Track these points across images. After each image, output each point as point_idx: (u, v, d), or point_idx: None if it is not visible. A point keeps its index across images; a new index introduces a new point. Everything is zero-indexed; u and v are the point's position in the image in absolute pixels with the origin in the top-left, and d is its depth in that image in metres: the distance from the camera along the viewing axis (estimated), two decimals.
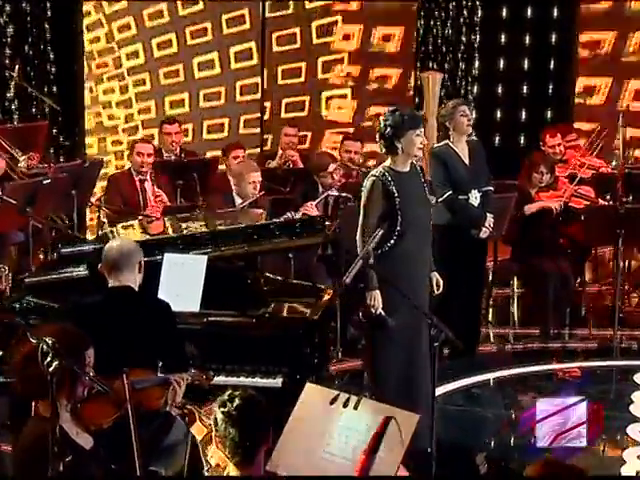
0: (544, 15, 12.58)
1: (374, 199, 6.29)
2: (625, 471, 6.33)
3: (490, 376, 7.89)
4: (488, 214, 7.91)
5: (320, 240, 6.73)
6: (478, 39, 12.55)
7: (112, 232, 7.20)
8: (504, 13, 12.62)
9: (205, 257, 6.17)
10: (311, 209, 8.30)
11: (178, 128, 9.94)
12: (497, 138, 12.65)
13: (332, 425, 4.62)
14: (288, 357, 5.94)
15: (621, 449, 6.68)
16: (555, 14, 12.60)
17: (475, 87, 12.62)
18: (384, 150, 6.39)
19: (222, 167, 9.67)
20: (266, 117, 11.99)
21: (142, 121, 11.67)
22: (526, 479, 3.48)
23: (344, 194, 8.40)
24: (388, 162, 6.38)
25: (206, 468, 4.20)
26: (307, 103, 12.25)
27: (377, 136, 6.40)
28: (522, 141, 12.70)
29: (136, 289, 5.53)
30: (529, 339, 8.82)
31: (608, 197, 9.02)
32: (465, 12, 12.44)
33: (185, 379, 5.04)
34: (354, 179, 9.25)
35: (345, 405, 4.67)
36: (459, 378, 7.59)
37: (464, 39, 12.48)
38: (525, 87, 12.70)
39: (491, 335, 8.96)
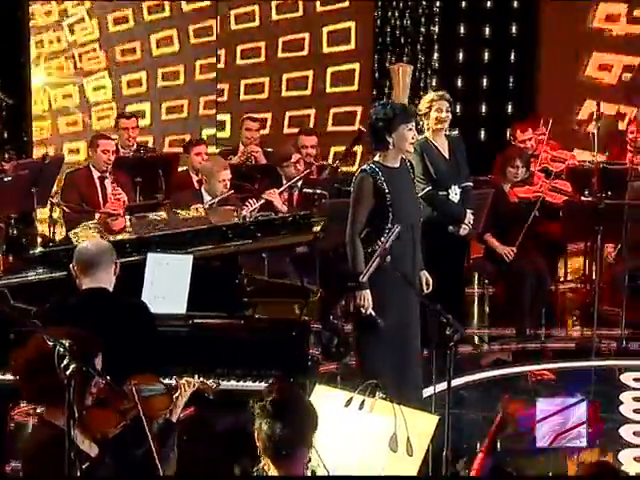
0: (504, 6, 12.74)
1: (364, 195, 6.32)
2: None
3: (475, 377, 7.97)
4: (468, 210, 7.99)
5: (311, 238, 6.70)
6: (437, 30, 12.69)
7: (75, 234, 7.16)
8: (463, 4, 12.74)
9: (191, 256, 6.16)
10: (274, 195, 8.35)
11: (135, 123, 9.92)
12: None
13: (348, 428, 4.68)
14: (280, 359, 5.93)
15: (615, 451, 6.79)
16: (515, 5, 12.77)
17: (434, 79, 12.73)
18: (374, 145, 6.43)
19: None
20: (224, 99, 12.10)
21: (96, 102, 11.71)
22: None
23: (319, 191, 8.43)
24: (377, 157, 6.41)
25: (255, 470, 4.20)
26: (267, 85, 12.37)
27: (368, 131, 6.44)
28: (482, 135, 12.83)
29: (110, 290, 5.51)
30: (506, 340, 8.92)
31: (587, 192, 9.13)
32: (424, 3, 12.57)
33: (192, 385, 5.04)
34: (313, 174, 9.34)
35: (360, 407, 4.72)
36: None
37: (423, 30, 12.59)
38: (485, 80, 12.84)
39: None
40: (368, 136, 6.51)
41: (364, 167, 6.42)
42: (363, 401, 4.70)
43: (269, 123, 12.28)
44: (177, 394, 4.95)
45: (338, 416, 4.65)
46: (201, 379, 5.16)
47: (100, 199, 8.83)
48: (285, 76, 12.57)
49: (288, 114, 12.51)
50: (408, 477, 4.60)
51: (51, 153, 10.88)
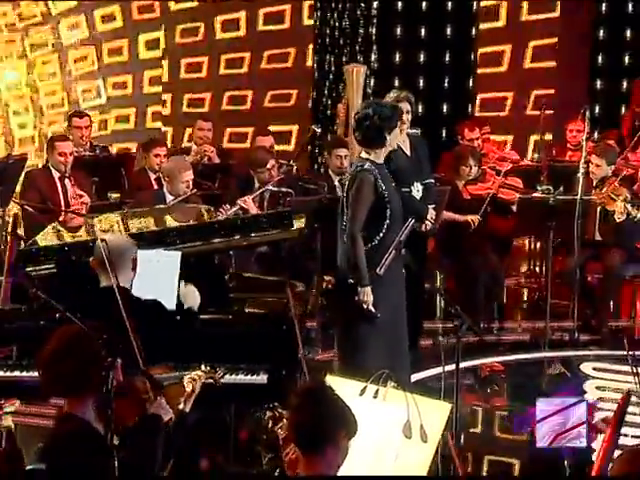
0: (439, 8, 12.94)
1: (366, 193, 6.38)
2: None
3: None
4: (430, 207, 8.14)
5: (297, 234, 6.80)
6: (374, 32, 12.83)
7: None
8: (399, 5, 12.92)
9: (179, 253, 6.23)
10: (248, 204, 8.41)
11: (88, 122, 9.92)
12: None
13: (363, 416, 4.78)
14: (271, 353, 6.02)
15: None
16: (450, 7, 12.99)
17: (372, 80, 12.87)
18: (369, 144, 6.47)
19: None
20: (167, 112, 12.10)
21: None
22: None
23: (284, 189, 8.52)
24: (367, 155, 6.47)
25: (285, 463, 4.29)
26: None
27: (364, 130, 6.47)
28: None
29: (129, 287, 5.58)
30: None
31: (539, 189, 9.37)
32: (362, 4, 12.71)
33: (200, 377, 5.12)
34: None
35: (375, 396, 4.84)
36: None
37: (361, 31, 12.74)
38: (421, 80, 13.03)
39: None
40: (363, 136, 6.51)
41: (365, 166, 6.44)
42: (377, 390, 4.84)
43: None
44: (190, 385, 5.04)
45: (353, 405, 4.77)
46: (205, 369, 5.26)
47: (61, 199, 8.83)
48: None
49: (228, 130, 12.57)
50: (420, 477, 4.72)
51: None
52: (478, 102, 12.90)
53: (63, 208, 8.65)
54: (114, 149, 10.79)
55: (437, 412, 4.78)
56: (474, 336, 7.47)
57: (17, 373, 5.91)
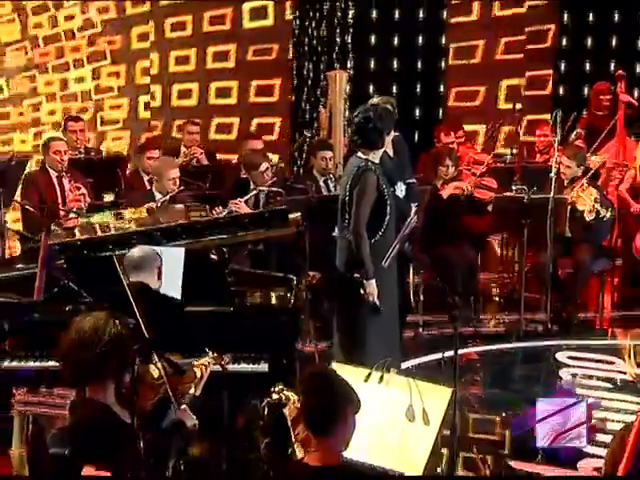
0: (411, 17, 12.99)
1: (369, 191, 6.44)
2: None
3: (417, 360, 8.19)
4: (412, 205, 8.21)
5: (295, 230, 6.85)
6: (350, 40, 12.89)
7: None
8: (374, 15, 12.98)
9: (183, 249, 6.27)
10: (240, 205, 8.44)
11: (82, 125, 9.93)
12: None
13: (366, 402, 4.84)
14: (272, 344, 6.09)
15: None
16: (421, 16, 13.07)
17: (348, 86, 12.91)
18: (366, 145, 6.53)
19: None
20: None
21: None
22: None
23: (275, 189, 8.57)
24: (364, 155, 6.52)
25: (295, 444, 4.34)
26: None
27: (361, 133, 6.54)
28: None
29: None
30: (439, 325, 9.16)
31: (514, 188, 9.46)
32: (338, 14, 12.77)
33: (209, 363, 5.17)
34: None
35: (380, 381, 4.91)
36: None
37: (338, 39, 12.79)
38: (394, 86, 13.09)
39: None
40: (360, 138, 6.56)
41: (365, 166, 6.50)
42: (382, 376, 4.91)
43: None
44: (200, 370, 5.09)
45: (359, 390, 4.83)
46: (213, 355, 5.30)
47: (59, 198, 8.84)
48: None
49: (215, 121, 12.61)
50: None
51: None
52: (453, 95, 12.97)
53: (61, 207, 8.66)
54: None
55: (439, 396, 4.86)
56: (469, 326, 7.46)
57: (31, 363, 5.95)
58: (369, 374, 4.89)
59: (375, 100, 8.28)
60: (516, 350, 8.62)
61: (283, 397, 4.72)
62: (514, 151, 9.84)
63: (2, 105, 11.95)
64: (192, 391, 5.06)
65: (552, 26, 12.91)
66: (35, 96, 12.03)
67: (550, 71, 12.91)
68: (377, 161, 6.54)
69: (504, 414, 7.15)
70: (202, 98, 12.59)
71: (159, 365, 4.83)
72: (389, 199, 6.49)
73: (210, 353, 5.28)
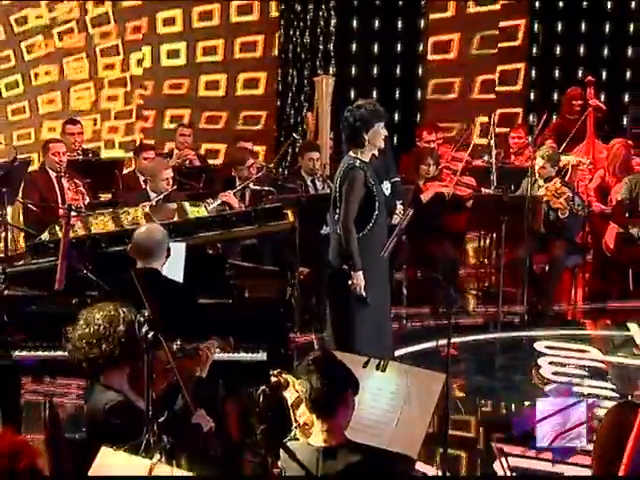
0: (391, 26, 13.04)
1: (357, 187, 6.44)
2: None
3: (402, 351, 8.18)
4: (398, 202, 8.24)
5: (290, 226, 6.87)
6: (332, 47, 12.91)
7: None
8: (355, 24, 13.02)
9: (184, 244, 6.27)
10: (229, 197, 8.49)
11: (80, 128, 9.92)
12: None
13: (365, 387, 4.88)
14: (270, 333, 6.10)
15: None
16: (400, 25, 13.12)
17: None
18: (350, 142, 6.54)
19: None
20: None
21: None
22: None
23: (266, 188, 8.60)
24: (353, 154, 6.53)
25: (294, 426, 4.37)
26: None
27: (344, 131, 6.59)
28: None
29: (161, 271, 5.67)
30: (422, 317, 9.21)
31: (493, 187, 9.52)
32: (321, 22, 12.80)
33: (214, 346, 5.19)
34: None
35: (377, 368, 4.94)
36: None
37: (321, 47, 12.82)
38: (375, 92, 13.13)
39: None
40: (344, 136, 6.60)
41: (355, 163, 6.50)
42: (379, 362, 4.94)
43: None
44: (206, 354, 5.11)
45: (358, 375, 4.85)
46: (220, 340, 5.32)
47: (59, 197, 8.84)
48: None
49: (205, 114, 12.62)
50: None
51: None
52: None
53: (60, 205, 8.66)
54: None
55: (433, 382, 4.89)
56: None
57: (40, 353, 5.95)
58: (367, 361, 4.91)
59: (360, 102, 8.36)
60: (496, 340, 8.64)
61: (282, 380, 4.73)
62: (493, 152, 9.84)
63: (18, 100, 11.92)
64: (198, 373, 5.09)
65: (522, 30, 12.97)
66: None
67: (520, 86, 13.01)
68: (367, 160, 6.54)
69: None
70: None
71: (168, 350, 4.83)
72: (377, 195, 6.51)
73: (216, 338, 5.30)
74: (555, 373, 7.77)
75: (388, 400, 4.86)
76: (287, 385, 4.59)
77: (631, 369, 8.01)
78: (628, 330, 8.82)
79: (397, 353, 8.04)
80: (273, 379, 4.61)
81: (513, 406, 7.27)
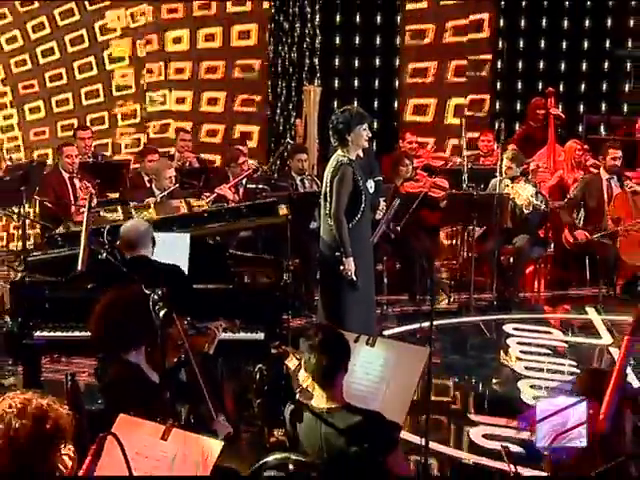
0: (370, 43, 13.04)
1: (346, 182, 6.43)
2: (524, 398, 6.86)
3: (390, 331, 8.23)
4: (380, 199, 8.25)
5: (284, 219, 6.86)
6: (317, 62, 12.89)
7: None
8: (337, 40, 13.01)
9: (188, 235, 6.24)
10: (224, 190, 8.49)
11: (90, 134, 9.91)
12: None
13: (356, 360, 4.86)
14: (267, 315, 6.09)
15: (514, 381, 7.22)
16: (378, 41, 13.12)
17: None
18: (336, 143, 6.57)
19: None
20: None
21: None
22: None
23: (261, 186, 8.60)
24: (342, 152, 6.52)
25: (297, 390, 4.37)
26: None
27: (330, 132, 6.61)
28: None
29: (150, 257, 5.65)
30: (401, 303, 9.21)
31: (464, 186, 9.54)
32: (307, 39, 12.79)
33: (221, 326, 5.17)
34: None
35: (367, 343, 4.93)
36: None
37: (307, 61, 12.80)
38: (355, 102, 13.06)
39: None
40: (331, 136, 6.61)
41: (344, 160, 6.49)
42: (369, 338, 4.93)
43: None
44: (214, 332, 5.09)
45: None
46: (226, 320, 5.31)
47: (71, 196, 8.81)
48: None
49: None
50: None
51: None
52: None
53: (74, 202, 8.64)
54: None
55: (417, 356, 4.88)
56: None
57: (59, 333, 5.92)
58: (358, 336, 4.90)
59: (346, 107, 8.34)
60: (468, 323, 8.65)
61: (281, 350, 4.74)
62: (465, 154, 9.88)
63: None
64: (205, 349, 5.08)
65: (489, 56, 13.02)
66: None
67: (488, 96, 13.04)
68: (352, 157, 6.54)
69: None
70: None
71: (180, 328, 4.81)
72: (364, 190, 6.51)
73: (222, 320, 5.29)
74: (522, 352, 7.79)
75: (377, 372, 4.83)
76: (288, 355, 4.60)
77: (589, 347, 8.05)
78: (586, 313, 8.85)
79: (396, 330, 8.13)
80: (274, 351, 4.62)
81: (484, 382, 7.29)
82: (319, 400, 4.23)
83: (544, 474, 3.89)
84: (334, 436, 4.12)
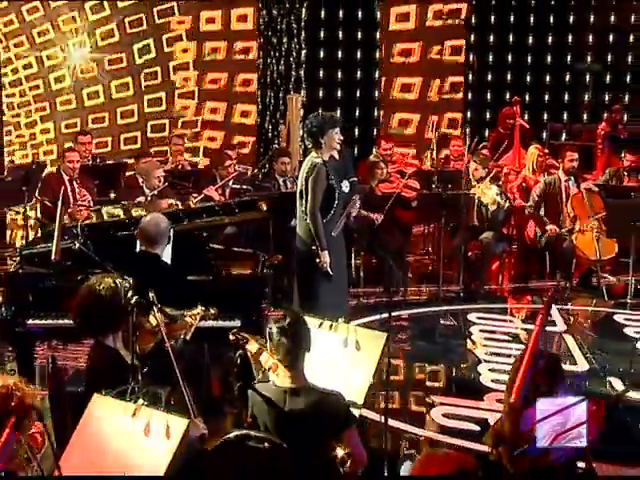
0: (351, 57, 12.95)
1: (321, 181, 6.37)
2: (483, 381, 6.77)
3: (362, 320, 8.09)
4: (355, 197, 8.12)
5: (264, 215, 6.80)
6: (303, 74, 12.81)
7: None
8: (322, 54, 12.92)
9: (171, 230, 6.13)
10: (210, 191, 8.42)
11: (90, 139, 9.82)
12: None
13: (319, 343, 4.77)
14: (244, 304, 6.01)
15: (474, 365, 7.11)
16: (359, 55, 13.03)
17: (301, 111, 12.83)
18: (310, 145, 6.50)
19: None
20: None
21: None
22: None
23: (244, 186, 8.53)
24: (316, 154, 6.45)
25: (260, 371, 4.30)
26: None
27: (305, 135, 6.54)
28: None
29: (161, 255, 5.57)
30: (376, 295, 9.10)
31: (434, 187, 9.46)
32: (293, 53, 12.70)
33: (198, 314, 5.08)
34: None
35: (330, 328, 4.84)
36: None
37: (293, 73, 12.72)
38: (338, 111, 12.95)
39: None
40: (306, 139, 6.54)
41: (317, 161, 6.43)
42: (331, 324, 4.85)
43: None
44: (191, 320, 5.00)
45: (314, 334, 4.77)
46: (201, 308, 5.21)
47: (70, 197, 8.70)
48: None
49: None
50: None
51: None
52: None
53: (71, 203, 8.54)
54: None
55: (375, 340, 4.80)
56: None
57: (50, 321, 5.83)
58: (321, 322, 4.82)
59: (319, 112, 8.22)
60: (436, 313, 8.55)
61: (239, 337, 4.65)
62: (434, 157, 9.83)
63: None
64: (183, 336, 4.99)
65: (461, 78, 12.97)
66: None
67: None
68: (326, 158, 6.47)
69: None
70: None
71: (157, 315, 4.72)
72: (337, 188, 6.43)
73: (200, 306, 5.20)
74: (485, 338, 7.70)
75: (337, 354, 4.76)
76: (247, 341, 4.52)
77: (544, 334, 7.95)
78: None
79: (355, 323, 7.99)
80: (232, 337, 4.54)
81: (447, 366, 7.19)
82: (283, 380, 4.16)
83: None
84: (296, 413, 4.06)
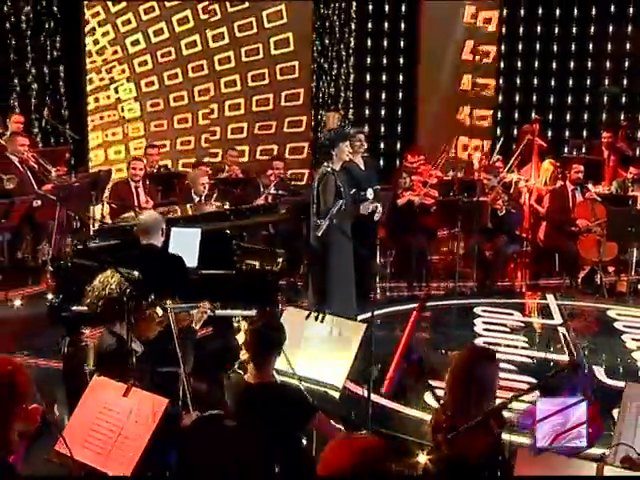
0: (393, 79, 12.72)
1: (329, 187, 6.36)
2: None
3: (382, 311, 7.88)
4: (378, 204, 7.92)
5: (283, 217, 6.72)
6: (351, 95, 12.58)
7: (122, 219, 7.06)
8: (368, 77, 12.71)
9: (199, 230, 6.05)
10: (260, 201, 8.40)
11: (158, 151, 9.86)
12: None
13: (307, 333, 4.65)
14: (262, 296, 5.87)
15: None
16: (401, 79, 12.78)
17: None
18: (322, 157, 6.45)
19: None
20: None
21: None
22: None
23: (280, 192, 8.44)
24: (327, 164, 6.44)
25: (239, 361, 4.18)
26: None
27: (317, 148, 6.48)
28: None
29: (159, 245, 5.48)
30: (400, 289, 8.90)
31: (451, 195, 9.20)
32: (342, 77, 12.54)
33: (206, 306, 4.99)
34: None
35: (316, 319, 4.69)
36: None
37: (342, 95, 12.53)
38: (382, 128, 12.77)
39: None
40: (317, 152, 6.47)
41: (328, 170, 6.37)
42: (317, 315, 4.70)
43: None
44: (197, 312, 4.91)
45: (301, 325, 4.64)
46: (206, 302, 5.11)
47: (135, 201, 8.73)
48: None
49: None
50: None
51: None
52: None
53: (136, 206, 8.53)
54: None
55: (356, 329, 4.63)
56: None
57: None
58: (309, 314, 4.67)
59: (352, 130, 8.00)
60: (452, 306, 8.30)
61: (235, 326, 4.50)
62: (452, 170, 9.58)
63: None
64: (192, 325, 4.90)
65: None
66: None
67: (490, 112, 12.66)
68: (337, 168, 6.39)
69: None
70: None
71: (165, 306, 4.64)
72: (344, 193, 6.41)
73: (206, 302, 5.09)
74: (485, 329, 7.42)
75: (322, 343, 4.62)
76: (239, 330, 4.40)
77: (541, 326, 7.75)
78: (545, 299, 8.42)
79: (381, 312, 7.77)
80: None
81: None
82: (250, 375, 4.00)
83: None
84: (255, 408, 3.88)
